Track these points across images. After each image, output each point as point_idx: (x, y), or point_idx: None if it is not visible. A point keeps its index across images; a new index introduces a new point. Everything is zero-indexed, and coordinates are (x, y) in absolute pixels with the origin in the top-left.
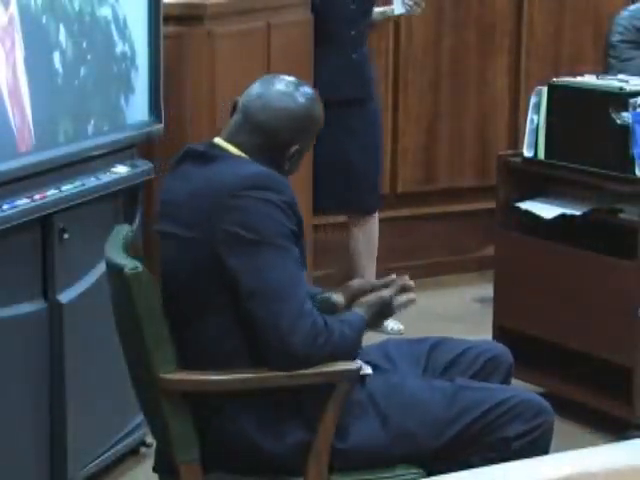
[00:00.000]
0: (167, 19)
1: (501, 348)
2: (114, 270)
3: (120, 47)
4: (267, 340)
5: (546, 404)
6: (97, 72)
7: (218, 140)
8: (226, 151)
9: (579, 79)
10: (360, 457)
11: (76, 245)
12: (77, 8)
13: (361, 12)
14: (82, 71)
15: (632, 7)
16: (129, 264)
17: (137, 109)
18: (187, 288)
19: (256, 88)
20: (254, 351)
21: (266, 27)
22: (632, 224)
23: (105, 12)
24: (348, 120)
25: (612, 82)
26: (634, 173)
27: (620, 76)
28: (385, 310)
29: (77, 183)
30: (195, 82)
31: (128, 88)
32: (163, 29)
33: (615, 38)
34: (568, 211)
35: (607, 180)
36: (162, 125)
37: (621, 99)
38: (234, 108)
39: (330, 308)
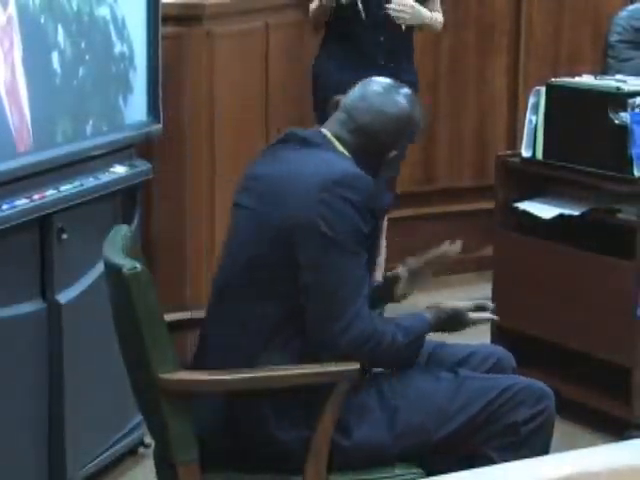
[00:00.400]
0: (166, 19)
1: (503, 352)
2: (112, 270)
3: (118, 47)
4: (316, 337)
5: (547, 389)
6: (95, 72)
7: (325, 131)
8: (330, 143)
9: (577, 79)
10: (362, 455)
11: (75, 245)
12: (75, 8)
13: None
14: (81, 71)
15: (631, 7)
16: (127, 264)
17: (136, 109)
18: (250, 265)
19: (361, 90)
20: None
21: (265, 27)
22: (630, 224)
23: (103, 12)
24: None
25: (610, 82)
26: (632, 173)
27: (618, 76)
28: (457, 321)
29: (76, 183)
30: (194, 82)
31: (127, 88)
32: (162, 29)
33: (613, 38)
34: (566, 211)
35: (605, 180)
36: (160, 125)
37: (619, 99)
38: (335, 106)
39: (392, 281)
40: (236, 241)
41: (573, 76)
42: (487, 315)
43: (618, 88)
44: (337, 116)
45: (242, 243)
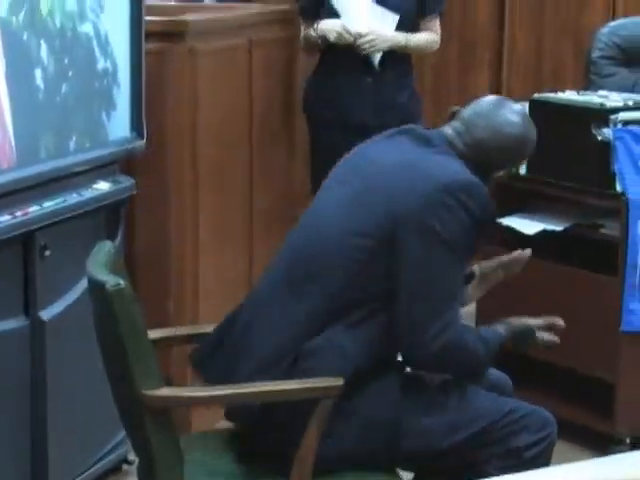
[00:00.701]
0: (149, 35)
1: (500, 374)
2: (96, 286)
3: (102, 63)
4: (409, 337)
5: (551, 416)
6: (79, 88)
7: (447, 133)
8: (450, 147)
9: (560, 95)
10: (342, 461)
11: (58, 262)
12: (58, 24)
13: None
14: (64, 87)
15: (612, 23)
16: (111, 280)
17: (119, 125)
18: (341, 247)
19: (483, 105)
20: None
21: (248, 44)
22: (613, 239)
23: (87, 28)
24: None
25: (593, 98)
26: (615, 189)
27: (601, 92)
28: (526, 338)
29: (59, 199)
30: (176, 98)
31: (110, 104)
32: (145, 45)
33: (596, 54)
34: (550, 227)
35: (588, 196)
36: (144, 141)
37: (602, 115)
38: (452, 116)
39: (467, 280)
40: (326, 218)
41: (556, 92)
42: (554, 338)
43: (601, 104)
44: (454, 125)
45: (334, 221)
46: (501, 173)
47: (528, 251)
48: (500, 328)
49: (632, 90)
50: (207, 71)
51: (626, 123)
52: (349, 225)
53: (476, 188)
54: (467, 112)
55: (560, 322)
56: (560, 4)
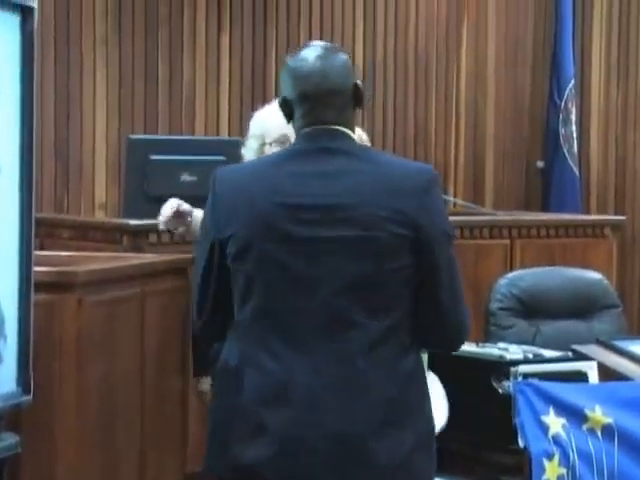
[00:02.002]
0: (37, 286)
1: None
2: None
3: None
4: (449, 331)
5: None
6: None
7: (351, 133)
8: (367, 146)
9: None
10: None
11: None
12: None
13: None
14: None
15: (510, 275)
16: None
17: (5, 380)
18: (359, 285)
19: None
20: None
21: (141, 294)
22: None
23: None
24: None
25: (493, 350)
26: (517, 444)
27: (500, 344)
28: None
29: None
30: (64, 352)
31: None
32: (34, 297)
33: (495, 306)
34: None
35: (490, 450)
36: (30, 397)
37: (502, 368)
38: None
39: None
40: (324, 274)
41: None
42: None
43: (500, 356)
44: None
45: (337, 271)
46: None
47: None
48: None
49: (532, 342)
50: (96, 322)
51: (526, 376)
52: (354, 271)
53: (436, 175)
54: (309, 88)
55: None
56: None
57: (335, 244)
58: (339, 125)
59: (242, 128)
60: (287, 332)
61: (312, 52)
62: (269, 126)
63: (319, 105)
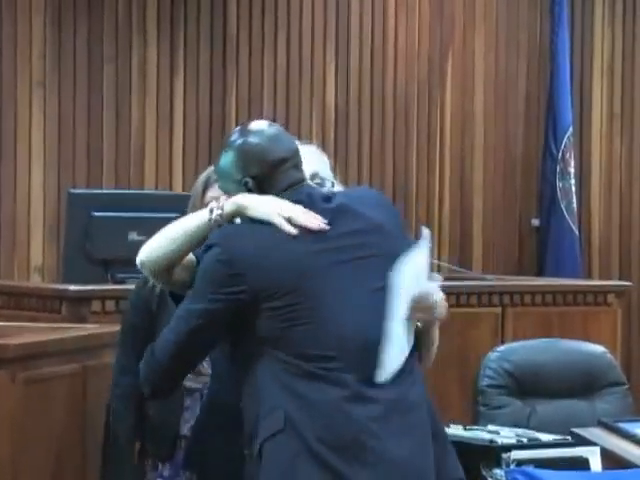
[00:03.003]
0: None
1: None
2: None
3: None
4: None
5: None
6: None
7: (312, 183)
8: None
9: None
10: None
11: None
12: None
13: None
14: None
15: (502, 348)
16: None
17: None
18: None
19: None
20: None
21: (82, 371)
22: None
23: None
24: None
25: (482, 434)
26: None
27: (491, 427)
28: None
29: None
30: None
31: None
32: None
33: (484, 383)
34: None
35: None
36: None
37: (493, 453)
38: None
39: None
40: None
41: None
42: None
43: (490, 441)
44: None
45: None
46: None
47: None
48: None
49: (527, 424)
50: (32, 403)
51: (520, 463)
52: None
53: None
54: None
55: None
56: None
57: None
58: None
59: None
60: None
61: None
62: None
63: None
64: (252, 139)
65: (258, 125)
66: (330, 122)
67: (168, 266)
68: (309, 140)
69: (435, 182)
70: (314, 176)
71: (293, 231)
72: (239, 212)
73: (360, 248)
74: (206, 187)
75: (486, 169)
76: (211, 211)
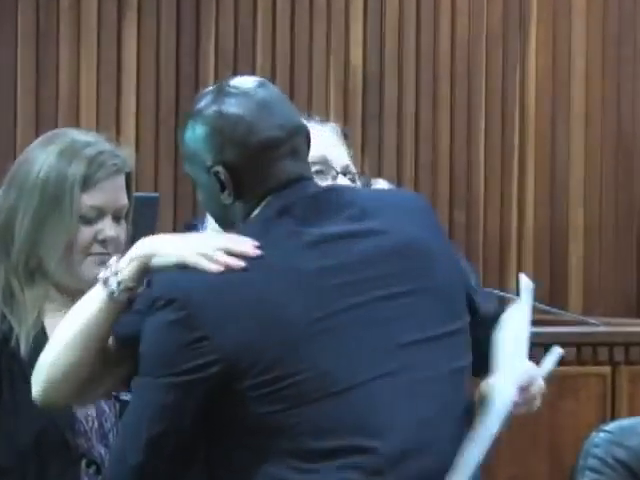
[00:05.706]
0: None
1: None
2: None
3: None
4: None
5: None
6: None
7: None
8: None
9: None
10: None
11: None
12: None
13: None
14: None
15: (611, 426)
16: None
17: None
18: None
19: None
20: None
21: None
22: None
23: None
24: None
25: None
26: None
27: None
28: None
29: None
30: None
31: None
32: None
33: (586, 475)
34: None
35: None
36: None
37: None
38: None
39: None
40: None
41: None
42: None
43: None
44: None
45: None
46: None
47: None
48: None
49: None
50: None
51: None
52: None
53: None
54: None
55: None
56: None
57: None
58: None
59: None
60: None
61: None
62: None
63: None
64: (230, 107)
65: (242, 84)
66: (356, 91)
67: (82, 385)
68: (324, 117)
69: (513, 186)
70: (317, 162)
71: (216, 268)
72: (146, 266)
73: (395, 281)
74: (87, 186)
75: (589, 167)
76: (105, 282)
